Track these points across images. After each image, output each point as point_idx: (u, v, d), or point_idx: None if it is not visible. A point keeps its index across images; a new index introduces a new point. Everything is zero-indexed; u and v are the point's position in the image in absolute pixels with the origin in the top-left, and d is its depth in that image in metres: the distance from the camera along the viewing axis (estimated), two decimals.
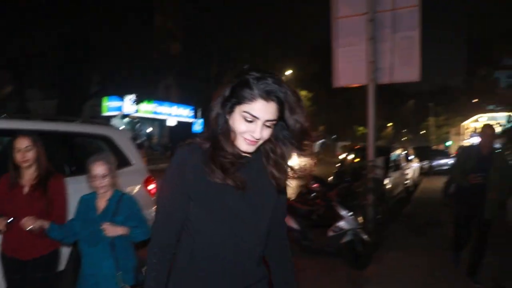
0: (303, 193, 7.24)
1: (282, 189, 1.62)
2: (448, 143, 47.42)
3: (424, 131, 55.81)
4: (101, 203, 2.93)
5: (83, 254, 2.92)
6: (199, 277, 1.52)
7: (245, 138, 1.45)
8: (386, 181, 9.37)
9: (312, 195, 7.13)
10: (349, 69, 7.07)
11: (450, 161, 26.17)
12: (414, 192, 14.90)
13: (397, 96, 51.41)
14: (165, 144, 30.87)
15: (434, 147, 37.16)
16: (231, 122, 1.46)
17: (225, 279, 1.52)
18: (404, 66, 6.74)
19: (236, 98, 1.43)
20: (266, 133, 1.46)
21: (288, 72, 32.95)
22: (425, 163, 23.15)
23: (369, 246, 5.66)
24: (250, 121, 1.42)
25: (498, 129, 16.82)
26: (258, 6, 22.20)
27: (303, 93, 36.72)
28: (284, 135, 1.53)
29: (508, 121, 15.36)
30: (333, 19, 7.17)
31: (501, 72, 30.28)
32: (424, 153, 24.63)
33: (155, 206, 1.61)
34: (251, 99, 1.40)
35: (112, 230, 2.78)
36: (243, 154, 1.51)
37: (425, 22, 7.25)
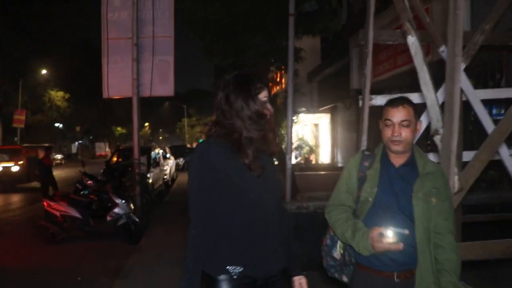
0: (79, 188, 8.29)
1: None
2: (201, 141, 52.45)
3: (179, 131, 60.26)
4: None
5: None
6: (236, 245, 1.76)
7: None
8: (148, 175, 11.03)
9: (85, 191, 8.25)
10: (117, 83, 8.44)
11: None
12: (172, 185, 17.12)
13: (154, 98, 54.12)
14: None
15: (189, 145, 40.83)
16: None
17: (259, 244, 1.78)
18: (161, 84, 8.52)
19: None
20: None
21: (44, 72, 31.05)
22: (181, 160, 25.90)
23: (140, 226, 7.20)
24: None
25: None
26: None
27: (60, 94, 35.02)
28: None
29: None
30: (103, 39, 8.39)
31: None
32: (179, 151, 27.42)
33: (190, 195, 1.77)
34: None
35: None
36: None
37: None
